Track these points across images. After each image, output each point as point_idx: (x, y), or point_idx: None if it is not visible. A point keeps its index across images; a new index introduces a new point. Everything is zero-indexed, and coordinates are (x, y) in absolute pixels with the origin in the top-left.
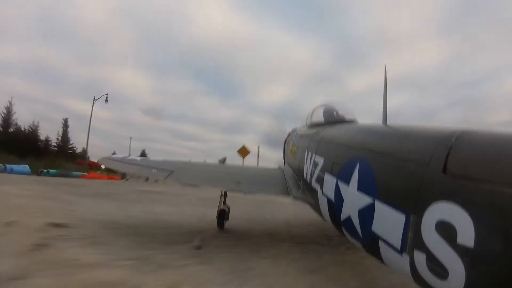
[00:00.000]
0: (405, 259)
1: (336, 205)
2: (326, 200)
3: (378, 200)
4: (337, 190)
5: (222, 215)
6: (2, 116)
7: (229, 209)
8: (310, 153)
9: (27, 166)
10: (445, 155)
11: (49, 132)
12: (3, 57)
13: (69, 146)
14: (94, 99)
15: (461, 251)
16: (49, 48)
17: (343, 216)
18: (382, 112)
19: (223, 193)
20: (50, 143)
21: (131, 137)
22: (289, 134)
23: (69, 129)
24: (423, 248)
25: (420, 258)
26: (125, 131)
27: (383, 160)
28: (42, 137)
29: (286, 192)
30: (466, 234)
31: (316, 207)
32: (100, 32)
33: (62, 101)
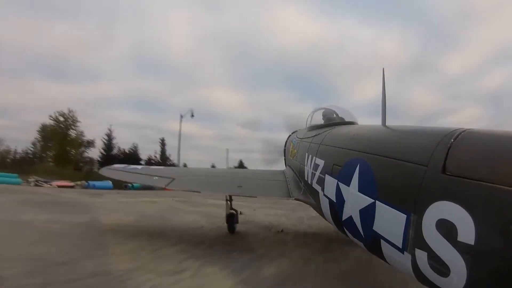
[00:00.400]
0: (407, 258)
1: (337, 205)
2: (327, 200)
3: (378, 200)
4: (338, 191)
5: (231, 219)
6: (104, 142)
7: (237, 212)
8: (310, 155)
9: (110, 181)
10: (444, 155)
11: (152, 152)
12: (107, 94)
13: (169, 163)
14: (181, 116)
15: (462, 248)
16: (147, 79)
17: (345, 216)
18: (382, 113)
19: (228, 197)
20: (152, 161)
21: (227, 149)
22: (290, 137)
23: (170, 147)
24: (425, 246)
25: (421, 256)
26: (226, 144)
27: (383, 161)
28: (145, 157)
29: (288, 194)
30: (467, 232)
31: (317, 207)
32: (191, 58)
33: (166, 124)
